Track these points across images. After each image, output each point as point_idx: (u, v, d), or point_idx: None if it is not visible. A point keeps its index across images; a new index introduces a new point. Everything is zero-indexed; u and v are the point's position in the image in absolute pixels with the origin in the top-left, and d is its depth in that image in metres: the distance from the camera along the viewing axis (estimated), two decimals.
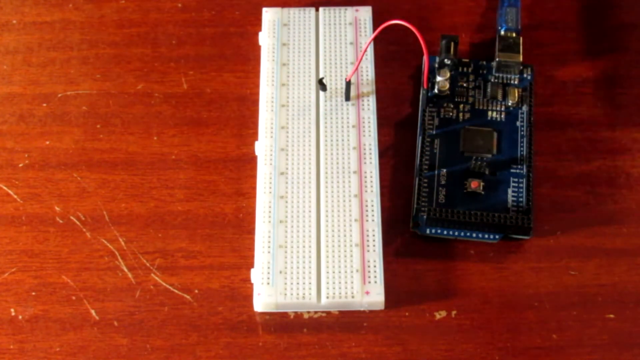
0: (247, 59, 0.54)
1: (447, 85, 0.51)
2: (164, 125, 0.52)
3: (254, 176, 0.49)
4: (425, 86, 0.51)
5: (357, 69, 0.51)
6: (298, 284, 0.46)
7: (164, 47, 0.54)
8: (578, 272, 0.47)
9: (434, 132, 0.50)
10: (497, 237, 0.47)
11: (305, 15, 0.54)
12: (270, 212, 0.48)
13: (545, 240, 0.48)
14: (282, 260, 0.46)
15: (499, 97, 0.51)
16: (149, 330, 0.46)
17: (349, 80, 0.50)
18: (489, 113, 0.51)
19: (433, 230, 0.47)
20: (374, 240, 0.47)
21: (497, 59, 0.51)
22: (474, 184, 0.48)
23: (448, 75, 0.51)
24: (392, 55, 0.53)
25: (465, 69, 0.52)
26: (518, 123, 0.50)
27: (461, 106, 0.51)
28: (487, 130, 0.50)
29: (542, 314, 0.46)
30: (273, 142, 0.50)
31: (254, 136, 0.51)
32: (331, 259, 0.46)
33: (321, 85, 0.50)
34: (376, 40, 0.53)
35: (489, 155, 0.49)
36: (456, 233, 0.47)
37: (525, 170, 0.49)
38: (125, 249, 0.48)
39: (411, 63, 0.53)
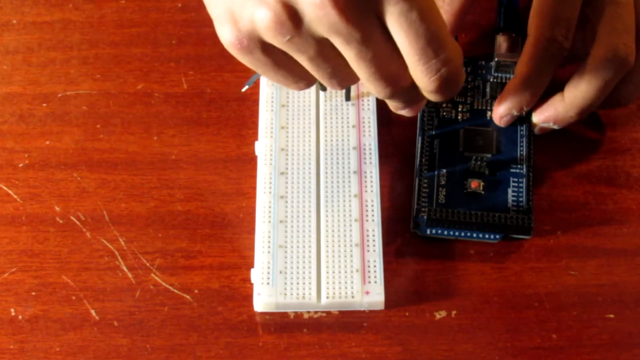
0: None
1: None
2: (164, 125, 0.52)
3: (254, 176, 0.49)
4: None
5: None
6: (298, 284, 0.46)
7: (164, 47, 0.54)
8: (578, 272, 0.47)
9: (434, 133, 0.50)
10: (497, 237, 0.47)
11: None
12: (270, 212, 0.48)
13: (545, 240, 0.48)
14: (282, 260, 0.46)
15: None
16: (149, 330, 0.46)
17: None
18: (489, 113, 0.51)
19: (433, 231, 0.47)
20: (374, 240, 0.47)
21: (496, 59, 0.51)
22: (474, 184, 0.48)
23: None
24: None
25: (464, 69, 0.52)
26: (517, 122, 0.50)
27: (460, 106, 0.51)
28: (486, 130, 0.50)
29: (542, 314, 0.46)
30: (273, 142, 0.50)
31: (254, 136, 0.51)
32: (331, 259, 0.46)
33: (321, 85, 0.50)
34: None
35: (489, 155, 0.49)
36: (456, 233, 0.47)
37: (525, 170, 0.49)
38: (125, 249, 0.48)
39: None
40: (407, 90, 0.43)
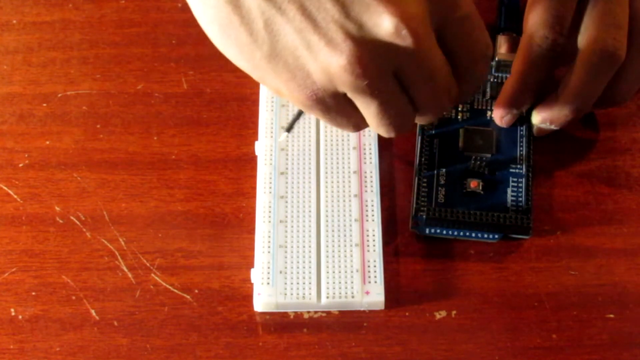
0: None
1: None
2: (164, 125, 0.52)
3: (254, 176, 0.49)
4: None
5: None
6: (298, 283, 0.46)
7: (164, 47, 0.54)
8: (578, 272, 0.47)
9: (433, 132, 0.50)
10: (496, 237, 0.47)
11: None
12: (270, 212, 0.48)
13: (545, 240, 0.48)
14: (282, 260, 0.46)
15: None
16: (149, 330, 0.46)
17: None
18: (489, 113, 0.51)
19: (432, 230, 0.47)
20: (374, 240, 0.47)
21: (496, 59, 0.51)
22: (474, 184, 0.48)
23: None
24: None
25: None
26: (517, 123, 0.50)
27: (460, 106, 0.51)
28: (486, 130, 0.50)
29: (542, 314, 0.46)
30: (273, 142, 0.50)
31: (254, 136, 0.51)
32: (331, 259, 0.46)
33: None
34: None
35: (489, 155, 0.49)
36: (456, 233, 0.47)
37: (524, 169, 0.49)
38: (125, 249, 0.48)
39: None
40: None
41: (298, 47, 0.39)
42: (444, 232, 0.47)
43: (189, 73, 0.53)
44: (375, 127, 0.42)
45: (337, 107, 0.41)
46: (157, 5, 0.55)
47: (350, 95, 0.40)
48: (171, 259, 0.48)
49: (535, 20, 0.47)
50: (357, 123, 0.43)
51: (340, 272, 0.46)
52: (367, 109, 0.41)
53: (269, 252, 0.47)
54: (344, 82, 0.39)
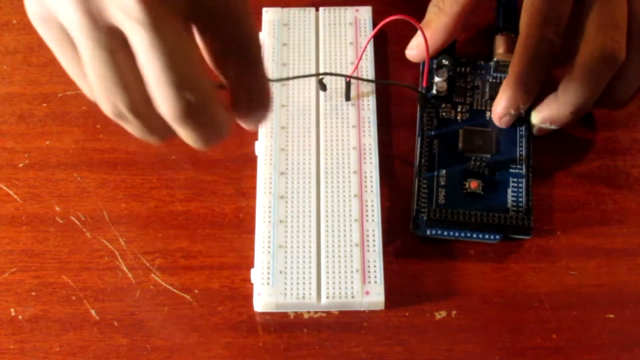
0: None
1: (445, 87, 0.51)
2: None
3: (254, 176, 0.49)
4: (425, 84, 0.51)
5: (357, 67, 0.51)
6: (298, 284, 0.46)
7: None
8: (578, 272, 0.47)
9: (433, 133, 0.50)
10: (497, 237, 0.47)
11: (305, 15, 0.54)
12: (270, 212, 0.48)
13: (545, 240, 0.48)
14: (282, 260, 0.46)
15: None
16: (149, 330, 0.46)
17: (349, 80, 0.50)
18: (488, 113, 0.51)
19: (433, 231, 0.47)
20: (374, 240, 0.47)
21: (495, 59, 0.52)
22: (474, 185, 0.48)
23: (446, 76, 0.51)
24: (392, 55, 0.54)
25: (463, 69, 0.52)
26: (517, 123, 0.50)
27: (460, 106, 0.51)
28: (486, 131, 0.50)
29: (542, 314, 0.46)
30: (273, 142, 0.50)
31: (254, 136, 0.51)
32: (331, 259, 0.46)
33: (321, 85, 0.50)
34: (376, 40, 0.53)
35: (488, 156, 0.49)
36: (456, 234, 0.47)
37: (524, 170, 0.49)
38: (125, 249, 0.48)
39: (411, 62, 0.53)
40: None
41: None
42: (445, 233, 0.47)
43: None
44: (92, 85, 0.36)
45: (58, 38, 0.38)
46: None
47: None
48: (171, 259, 0.48)
49: (531, 21, 0.47)
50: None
51: (340, 272, 0.46)
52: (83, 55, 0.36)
53: (269, 252, 0.47)
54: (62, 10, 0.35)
